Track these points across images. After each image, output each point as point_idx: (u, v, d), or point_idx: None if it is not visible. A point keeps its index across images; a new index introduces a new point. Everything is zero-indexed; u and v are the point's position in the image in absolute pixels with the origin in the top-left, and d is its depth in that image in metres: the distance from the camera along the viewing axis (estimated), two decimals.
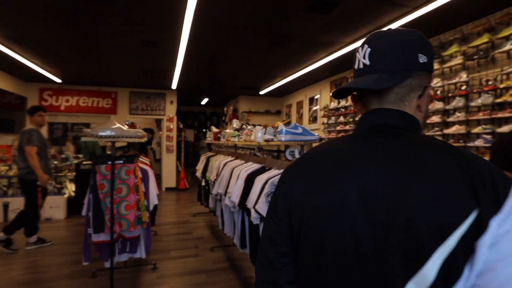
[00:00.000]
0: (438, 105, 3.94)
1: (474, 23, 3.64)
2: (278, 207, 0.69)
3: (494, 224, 0.49)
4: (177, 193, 8.36)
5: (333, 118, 6.47)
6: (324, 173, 0.63)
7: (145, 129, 10.15)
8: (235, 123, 3.86)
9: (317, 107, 7.45)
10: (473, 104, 3.50)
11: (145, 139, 3.83)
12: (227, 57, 5.42)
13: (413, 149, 0.58)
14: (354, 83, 0.66)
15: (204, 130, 12.12)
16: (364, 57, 0.67)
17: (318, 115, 7.40)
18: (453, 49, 3.78)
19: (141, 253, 2.97)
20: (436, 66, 4.02)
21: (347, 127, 5.94)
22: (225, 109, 11.25)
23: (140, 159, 3.42)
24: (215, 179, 3.65)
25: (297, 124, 2.30)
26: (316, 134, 2.37)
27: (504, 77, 3.30)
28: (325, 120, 6.80)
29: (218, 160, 3.91)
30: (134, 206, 2.53)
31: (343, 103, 6.14)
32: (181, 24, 3.86)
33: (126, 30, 4.14)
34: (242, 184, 2.71)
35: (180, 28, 3.97)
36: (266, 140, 2.53)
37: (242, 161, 3.35)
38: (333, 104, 6.47)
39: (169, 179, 8.83)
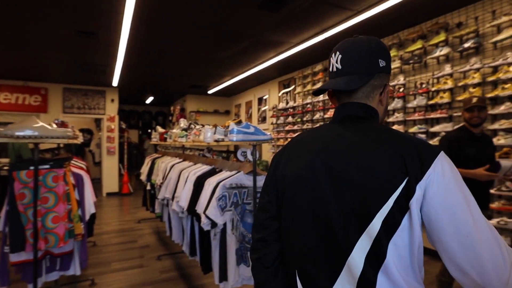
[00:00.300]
0: None
1: (409, 30, 3.89)
2: (268, 182, 0.89)
3: (418, 188, 0.65)
4: (119, 198, 7.74)
5: (281, 118, 6.52)
6: (302, 153, 0.82)
7: (82, 130, 9.27)
8: (183, 123, 3.62)
9: (266, 107, 7.46)
10: (409, 105, 3.74)
11: (81, 140, 3.40)
12: (173, 54, 5.13)
13: (367, 134, 0.76)
14: (330, 84, 0.82)
15: (149, 130, 11.48)
16: (336, 62, 0.82)
17: (267, 115, 7.41)
18: (392, 53, 4.01)
19: (75, 270, 2.60)
20: None
21: (295, 127, 6.02)
22: (171, 108, 10.77)
23: (73, 162, 3.01)
24: (162, 183, 3.38)
25: (249, 123, 2.18)
26: (268, 133, 2.28)
27: (435, 80, 3.57)
28: (274, 120, 6.82)
29: (165, 162, 3.64)
30: (65, 218, 2.18)
31: (291, 103, 6.21)
32: (121, 15, 3.51)
33: (56, 18, 3.65)
34: (191, 187, 2.51)
35: (120, 19, 3.61)
36: (216, 140, 2.37)
37: (191, 163, 3.15)
38: (282, 105, 6.52)
39: (111, 183, 8.14)
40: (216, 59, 5.45)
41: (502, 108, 2.88)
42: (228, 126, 2.18)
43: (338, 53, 0.82)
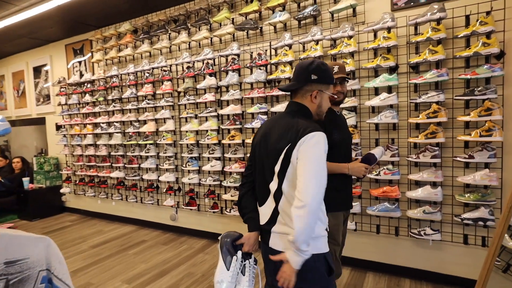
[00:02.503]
0: (211, 81, 3.23)
1: None
2: (252, 146, 1.46)
3: (295, 149, 1.19)
4: None
5: (75, 96, 4.50)
6: (263, 129, 1.39)
7: None
8: None
9: (50, 83, 5.07)
10: (247, 80, 3.00)
11: None
12: None
13: (288, 122, 1.28)
14: (282, 86, 1.41)
15: None
16: (293, 73, 1.41)
17: (51, 93, 5.06)
18: (223, 14, 3.12)
19: None
20: (205, 34, 3.25)
21: (96, 109, 4.24)
22: None
23: None
24: None
25: None
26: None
27: (273, 52, 2.99)
28: (63, 99, 4.67)
29: None
30: None
31: (87, 76, 4.32)
32: None
33: None
34: None
35: None
36: None
37: None
38: (74, 78, 4.48)
39: None
40: None
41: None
42: None
43: (294, 69, 1.39)
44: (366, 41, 2.60)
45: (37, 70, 5.24)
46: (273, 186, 1.26)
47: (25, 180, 4.83)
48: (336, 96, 1.83)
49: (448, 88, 2.34)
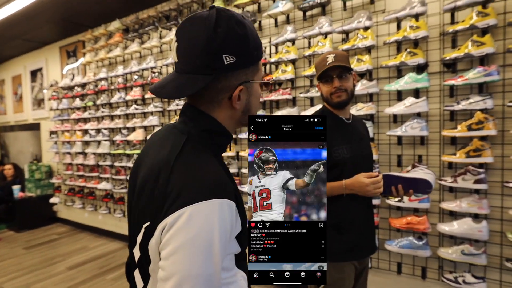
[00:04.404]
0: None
1: None
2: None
3: (153, 238, 0.54)
4: None
5: (65, 101, 4.07)
6: (142, 152, 0.71)
7: None
8: None
9: (45, 87, 4.67)
10: None
11: None
12: None
13: (165, 155, 0.58)
14: (159, 88, 0.61)
15: None
16: (175, 51, 0.61)
17: (45, 97, 4.66)
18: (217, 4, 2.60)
19: None
20: None
21: (86, 114, 3.78)
22: None
23: None
24: None
25: None
26: None
27: (273, 49, 2.44)
28: (54, 104, 4.25)
29: None
30: None
31: (77, 78, 3.89)
32: None
33: None
34: None
35: None
36: None
37: None
38: (65, 81, 4.06)
39: None
40: None
41: (358, 88, 2.00)
42: None
43: (175, 39, 0.60)
44: (387, 33, 2.01)
45: (34, 74, 4.86)
46: (137, 279, 0.62)
47: (15, 188, 4.40)
48: (334, 97, 1.28)
49: (496, 92, 1.73)
